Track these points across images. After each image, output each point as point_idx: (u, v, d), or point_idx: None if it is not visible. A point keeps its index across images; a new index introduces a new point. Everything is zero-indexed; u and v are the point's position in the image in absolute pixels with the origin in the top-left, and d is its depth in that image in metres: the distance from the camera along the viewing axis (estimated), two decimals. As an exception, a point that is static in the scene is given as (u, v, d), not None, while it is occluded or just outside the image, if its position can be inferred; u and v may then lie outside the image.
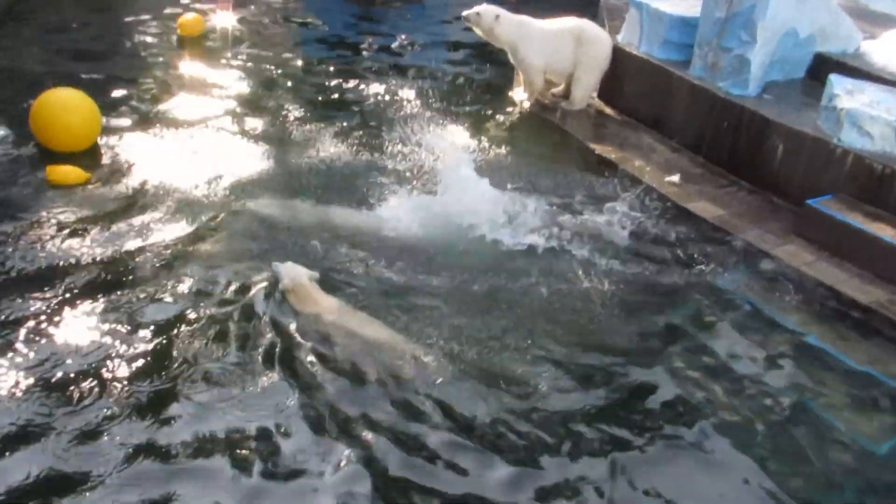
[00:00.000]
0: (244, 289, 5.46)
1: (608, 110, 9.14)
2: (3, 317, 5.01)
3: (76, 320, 5.05)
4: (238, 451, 4.19)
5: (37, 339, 4.86)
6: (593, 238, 6.49)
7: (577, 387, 4.86)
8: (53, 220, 6.14)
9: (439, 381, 4.74)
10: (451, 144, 7.97)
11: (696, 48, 8.13)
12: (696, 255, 6.36)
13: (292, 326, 5.10)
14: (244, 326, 5.12)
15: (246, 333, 5.06)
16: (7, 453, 4.05)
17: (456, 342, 5.03)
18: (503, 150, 8.01)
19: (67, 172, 6.73)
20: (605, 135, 8.53)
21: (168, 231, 6.15)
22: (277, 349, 4.91)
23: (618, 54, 8.84)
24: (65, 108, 7.22)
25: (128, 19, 11.01)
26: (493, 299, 5.58)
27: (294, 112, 8.60)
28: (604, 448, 4.41)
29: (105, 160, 7.23)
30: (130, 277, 5.54)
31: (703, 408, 4.75)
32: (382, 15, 12.52)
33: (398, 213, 6.56)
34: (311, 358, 4.87)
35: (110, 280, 5.49)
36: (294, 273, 5.27)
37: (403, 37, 11.55)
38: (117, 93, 8.67)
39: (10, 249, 5.71)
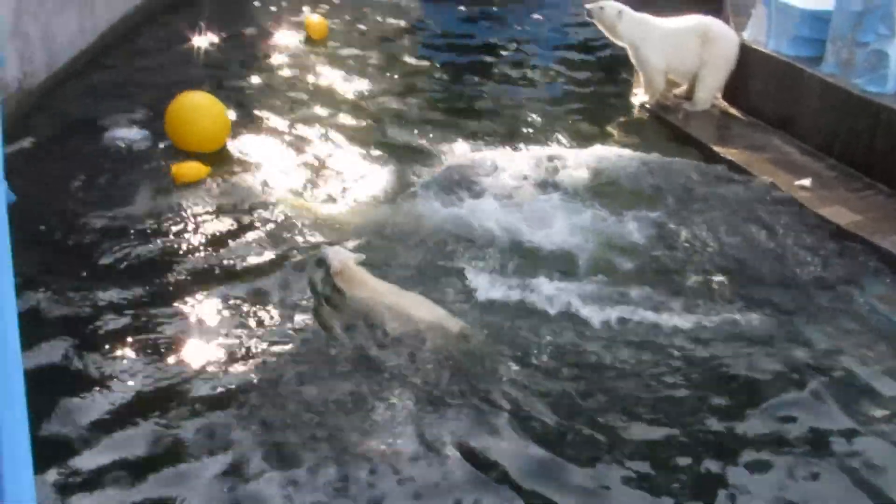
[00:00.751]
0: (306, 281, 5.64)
1: (733, 111, 8.82)
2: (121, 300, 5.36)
3: (183, 306, 5.37)
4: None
5: (150, 319, 5.16)
6: (717, 246, 6.25)
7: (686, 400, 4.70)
8: (174, 215, 6.47)
9: (485, 362, 4.86)
10: (565, 148, 7.90)
11: (828, 44, 7.72)
12: (830, 264, 6.03)
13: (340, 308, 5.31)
14: (292, 311, 5.33)
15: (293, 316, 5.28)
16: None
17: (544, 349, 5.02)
18: (621, 154, 7.82)
19: (190, 169, 7.00)
20: (730, 137, 8.22)
21: (275, 230, 6.34)
22: (327, 330, 5.14)
23: (744, 52, 8.52)
24: (196, 111, 7.54)
25: (254, 26, 11.33)
26: (592, 314, 5.41)
27: (413, 115, 8.65)
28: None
29: (230, 160, 7.50)
30: (229, 266, 5.87)
31: (845, 434, 4.48)
32: (501, 13, 12.47)
33: (502, 222, 6.46)
34: (360, 341, 5.00)
35: (213, 271, 5.80)
36: (342, 256, 5.48)
37: (521, 36, 11.51)
38: (246, 95, 8.98)
39: (135, 241, 6.06)
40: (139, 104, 8.44)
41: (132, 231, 6.20)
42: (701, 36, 8.46)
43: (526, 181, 7.21)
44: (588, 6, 8.86)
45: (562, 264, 5.95)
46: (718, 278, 5.84)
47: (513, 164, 7.48)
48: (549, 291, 5.54)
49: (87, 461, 4.10)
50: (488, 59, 10.68)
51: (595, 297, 5.52)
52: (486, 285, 5.61)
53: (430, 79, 9.89)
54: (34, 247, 5.79)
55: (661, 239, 6.35)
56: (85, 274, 5.64)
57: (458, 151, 7.70)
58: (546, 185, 7.13)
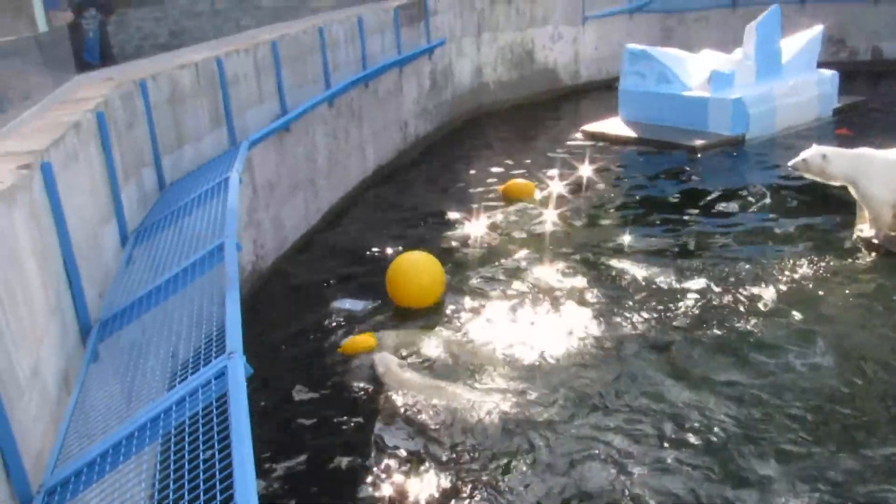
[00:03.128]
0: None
1: (977, 239, 8.09)
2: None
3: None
4: None
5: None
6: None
7: None
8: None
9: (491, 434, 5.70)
10: (787, 292, 7.52)
11: None
12: None
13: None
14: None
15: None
16: None
17: None
18: (852, 298, 7.34)
19: (357, 343, 7.24)
20: (981, 268, 7.51)
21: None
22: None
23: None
24: (415, 269, 8.05)
25: (458, 188, 11.87)
26: None
27: (615, 271, 8.50)
28: None
29: (439, 318, 7.78)
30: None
31: None
32: (704, 164, 12.37)
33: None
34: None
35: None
36: (386, 361, 6.65)
37: (727, 181, 11.34)
38: (456, 253, 9.46)
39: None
40: (359, 274, 9.06)
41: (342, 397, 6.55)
42: (930, 164, 7.98)
43: (749, 324, 7.02)
44: (791, 164, 8.69)
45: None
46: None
47: (732, 311, 7.24)
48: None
49: None
50: (695, 205, 10.52)
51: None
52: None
53: (636, 231, 9.77)
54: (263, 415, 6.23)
55: None
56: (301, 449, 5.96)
57: (672, 294, 7.56)
58: (777, 333, 6.84)
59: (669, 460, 5.33)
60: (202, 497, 2.52)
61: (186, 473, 2.73)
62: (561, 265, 8.82)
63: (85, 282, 4.63)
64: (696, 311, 7.41)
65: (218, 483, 2.53)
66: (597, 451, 5.48)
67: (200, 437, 2.90)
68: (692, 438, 5.54)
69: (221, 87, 8.35)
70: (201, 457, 2.75)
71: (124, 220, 5.99)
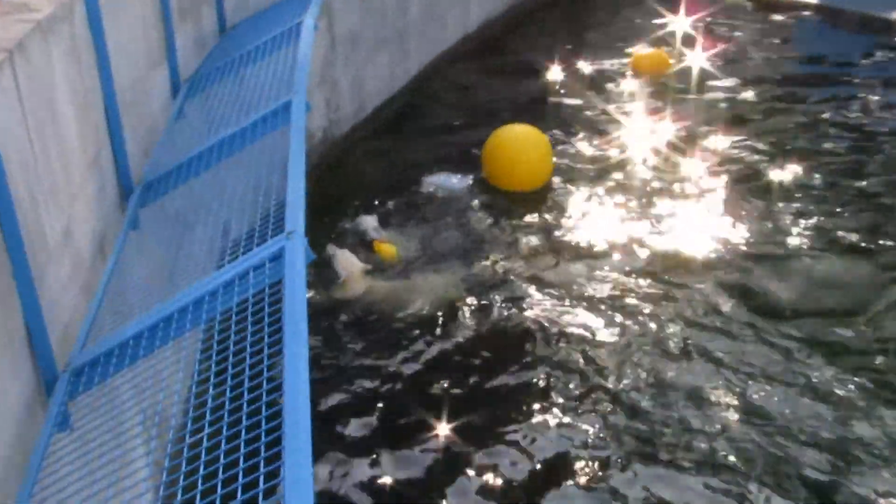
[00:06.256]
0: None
1: None
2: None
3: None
4: None
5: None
6: None
7: None
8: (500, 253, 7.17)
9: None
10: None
11: None
12: None
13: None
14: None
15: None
16: None
17: None
18: None
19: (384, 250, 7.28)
20: None
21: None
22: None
23: None
24: (519, 145, 7.98)
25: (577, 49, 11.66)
26: None
27: (768, 171, 8.34)
28: None
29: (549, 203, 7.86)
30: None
31: None
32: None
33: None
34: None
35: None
36: (350, 265, 6.83)
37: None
38: (567, 131, 9.36)
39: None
40: (454, 147, 9.10)
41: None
42: None
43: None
44: None
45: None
46: None
47: None
48: None
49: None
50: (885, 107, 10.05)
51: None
52: None
53: (786, 124, 9.49)
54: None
55: None
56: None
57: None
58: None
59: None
60: (246, 395, 2.59)
61: (230, 367, 2.79)
62: (692, 159, 8.69)
63: (128, 135, 4.71)
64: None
65: (265, 383, 2.58)
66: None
67: (249, 326, 2.95)
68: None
69: (301, -89, 8.23)
70: (248, 350, 2.82)
71: (177, 66, 6.04)
